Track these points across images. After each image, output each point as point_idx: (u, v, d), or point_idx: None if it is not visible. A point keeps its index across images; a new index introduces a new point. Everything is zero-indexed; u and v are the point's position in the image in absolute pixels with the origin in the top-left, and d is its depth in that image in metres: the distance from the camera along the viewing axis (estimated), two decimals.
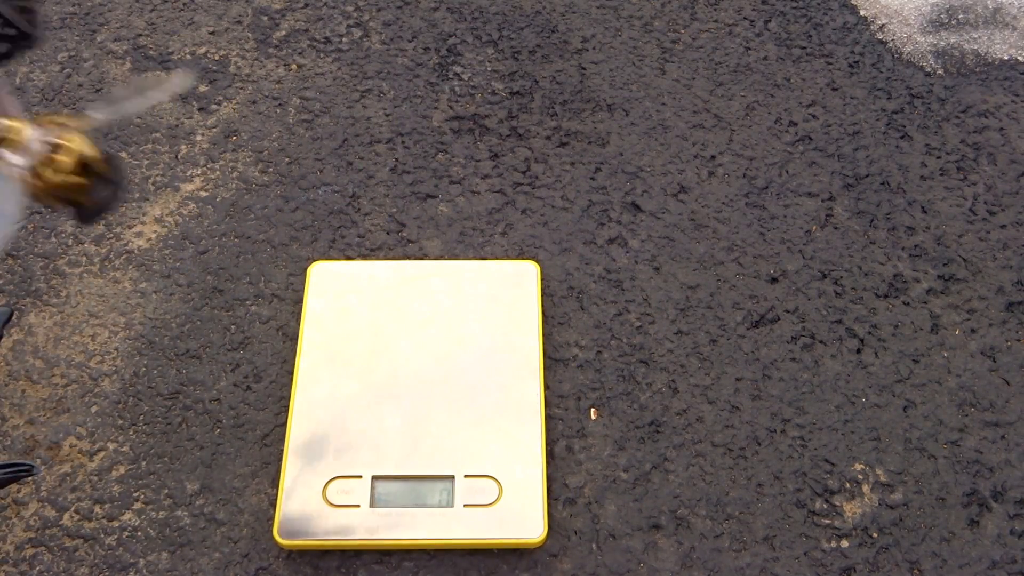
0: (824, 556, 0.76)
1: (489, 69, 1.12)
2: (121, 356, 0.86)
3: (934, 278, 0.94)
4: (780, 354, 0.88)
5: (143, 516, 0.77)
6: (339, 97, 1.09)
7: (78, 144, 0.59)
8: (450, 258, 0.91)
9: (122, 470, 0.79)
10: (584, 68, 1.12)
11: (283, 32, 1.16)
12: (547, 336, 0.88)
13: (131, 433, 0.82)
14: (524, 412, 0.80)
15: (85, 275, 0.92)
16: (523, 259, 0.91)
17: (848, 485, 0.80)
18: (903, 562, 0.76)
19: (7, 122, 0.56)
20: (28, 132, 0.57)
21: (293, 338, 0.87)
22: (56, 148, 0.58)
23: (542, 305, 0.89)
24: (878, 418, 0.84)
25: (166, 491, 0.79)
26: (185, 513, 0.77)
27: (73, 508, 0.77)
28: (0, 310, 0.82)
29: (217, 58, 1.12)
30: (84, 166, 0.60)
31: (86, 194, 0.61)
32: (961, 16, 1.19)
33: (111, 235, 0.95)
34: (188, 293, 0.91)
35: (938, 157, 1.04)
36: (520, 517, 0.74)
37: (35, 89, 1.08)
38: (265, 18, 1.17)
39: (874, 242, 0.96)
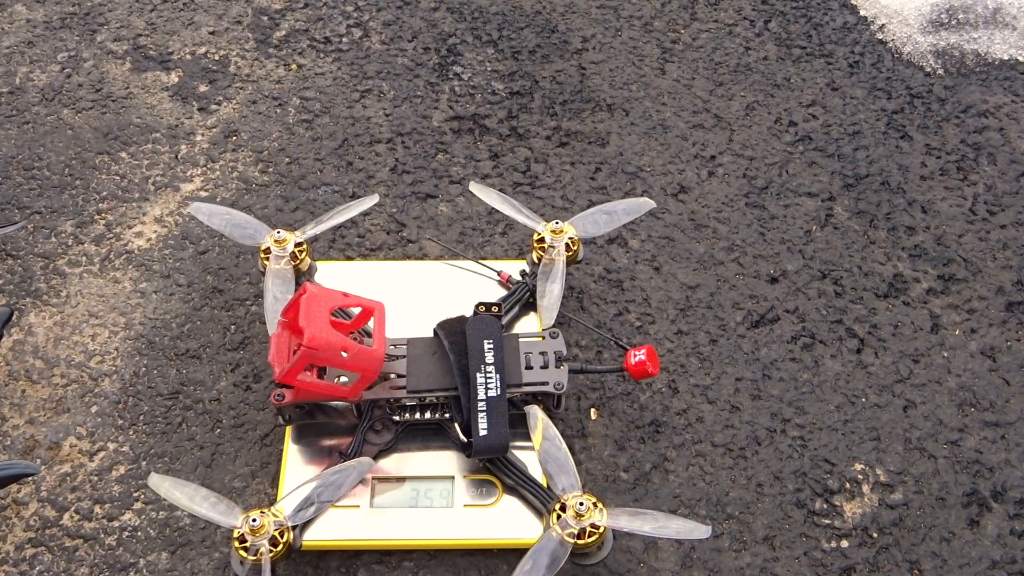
0: (824, 556, 0.76)
1: (489, 69, 1.12)
2: (121, 356, 0.86)
3: (934, 278, 0.94)
4: (780, 354, 0.88)
5: (143, 516, 0.77)
6: (339, 97, 1.09)
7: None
8: (450, 258, 0.91)
9: (122, 470, 0.79)
10: (584, 68, 1.12)
11: (283, 32, 1.16)
12: None
13: (131, 433, 0.82)
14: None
15: (85, 275, 0.92)
16: (523, 259, 0.90)
17: (848, 485, 0.80)
18: (903, 562, 0.76)
19: None
20: None
21: None
22: None
23: None
24: (878, 418, 0.84)
25: None
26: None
27: (73, 508, 0.77)
28: (0, 310, 0.81)
29: (217, 58, 1.12)
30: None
31: None
32: (961, 16, 1.19)
33: (111, 235, 0.95)
34: (188, 293, 0.91)
35: (938, 157, 1.04)
36: (520, 517, 0.73)
37: (35, 89, 1.08)
38: (265, 18, 1.17)
39: (874, 242, 0.96)
